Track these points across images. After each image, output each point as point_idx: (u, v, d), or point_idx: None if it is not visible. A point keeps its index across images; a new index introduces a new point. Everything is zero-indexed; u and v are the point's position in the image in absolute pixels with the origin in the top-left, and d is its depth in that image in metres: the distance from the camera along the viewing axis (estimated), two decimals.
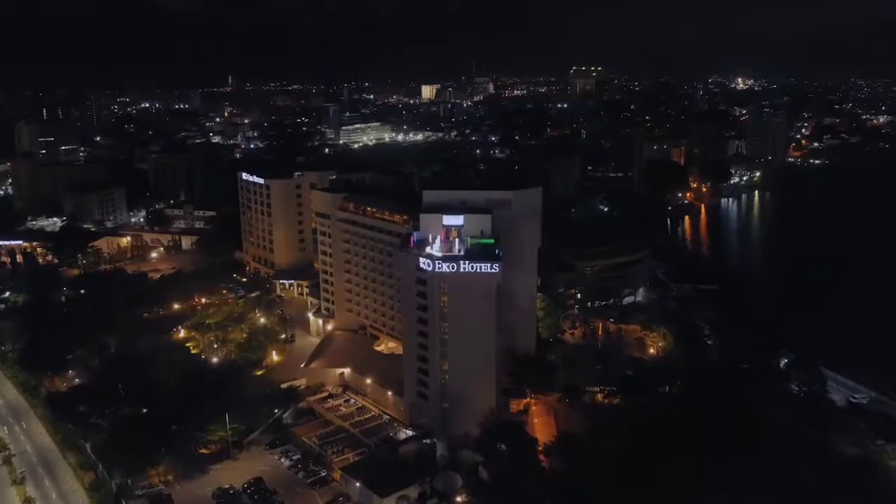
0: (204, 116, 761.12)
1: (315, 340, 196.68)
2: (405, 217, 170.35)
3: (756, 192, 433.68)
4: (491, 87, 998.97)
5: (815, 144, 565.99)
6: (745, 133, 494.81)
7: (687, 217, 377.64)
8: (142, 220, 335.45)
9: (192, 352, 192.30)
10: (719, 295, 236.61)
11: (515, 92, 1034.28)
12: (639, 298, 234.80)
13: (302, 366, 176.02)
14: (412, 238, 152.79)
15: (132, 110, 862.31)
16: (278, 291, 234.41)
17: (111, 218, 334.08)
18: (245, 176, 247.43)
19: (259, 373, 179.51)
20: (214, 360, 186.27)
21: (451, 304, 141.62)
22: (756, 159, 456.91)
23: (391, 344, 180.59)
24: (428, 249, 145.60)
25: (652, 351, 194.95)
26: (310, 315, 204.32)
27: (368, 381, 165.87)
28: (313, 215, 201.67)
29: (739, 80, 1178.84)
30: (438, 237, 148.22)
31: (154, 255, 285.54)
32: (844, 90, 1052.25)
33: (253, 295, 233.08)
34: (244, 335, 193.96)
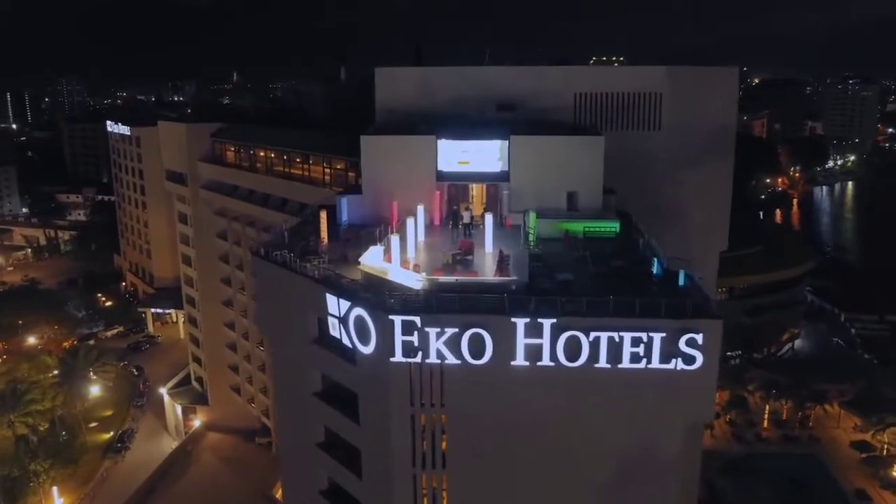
0: None
1: (171, 446, 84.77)
2: (344, 163, 57.25)
3: (850, 181, 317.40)
4: None
5: (890, 130, 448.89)
6: (821, 111, 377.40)
7: (778, 210, 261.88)
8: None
9: None
10: None
11: None
12: (797, 342, 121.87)
13: None
14: (339, 217, 40.19)
15: (119, 101, 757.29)
16: (150, 328, 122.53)
17: None
18: (110, 126, 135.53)
19: None
20: None
21: None
22: (843, 141, 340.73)
23: None
24: (368, 258, 31.96)
25: None
26: (164, 394, 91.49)
27: None
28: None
29: (757, 79, 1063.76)
30: (420, 212, 34.97)
31: None
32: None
33: (111, 332, 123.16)
34: (12, 435, 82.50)
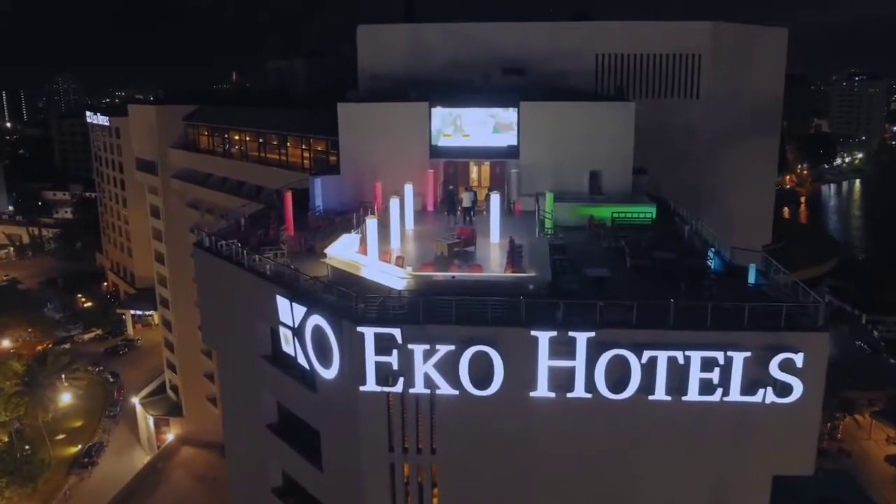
0: None
1: (144, 461, 77.03)
2: (325, 143, 49.31)
3: (858, 179, 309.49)
4: None
5: (895, 128, 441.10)
6: (827, 108, 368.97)
7: (786, 208, 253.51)
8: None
9: None
10: None
11: None
12: None
13: None
14: (312, 201, 32.47)
15: (118, 101, 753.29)
16: (130, 331, 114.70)
17: None
18: (90, 117, 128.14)
19: None
20: None
21: None
22: (850, 139, 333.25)
23: None
24: (337, 249, 24.03)
25: None
26: (136, 403, 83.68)
27: None
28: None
29: None
30: (408, 191, 27.04)
31: None
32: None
33: (88, 335, 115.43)
34: None
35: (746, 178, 42.15)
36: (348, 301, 19.79)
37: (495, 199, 28.28)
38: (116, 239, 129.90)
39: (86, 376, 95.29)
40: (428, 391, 19.16)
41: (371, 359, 18.92)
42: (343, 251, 23.97)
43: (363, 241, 24.96)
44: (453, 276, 21.63)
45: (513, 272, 21.85)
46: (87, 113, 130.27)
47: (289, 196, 30.96)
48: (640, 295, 19.84)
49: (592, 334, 18.28)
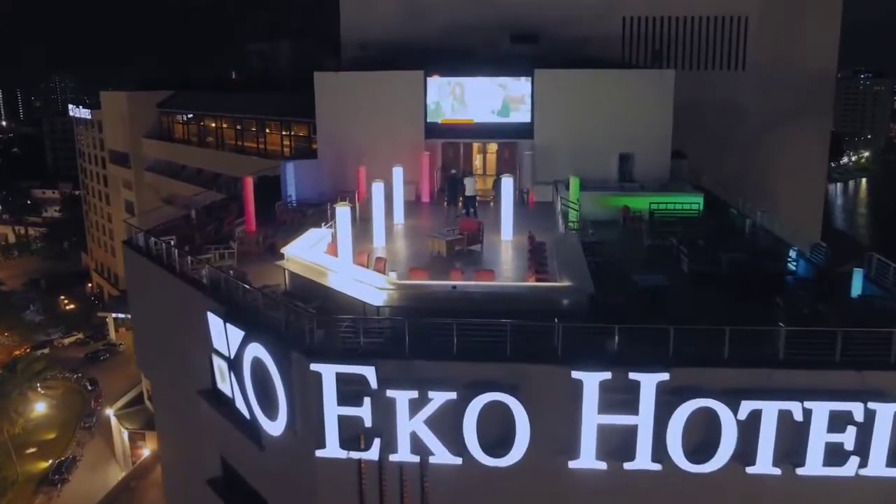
0: None
1: (118, 476, 70.76)
2: (307, 127, 43.13)
3: (864, 178, 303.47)
4: None
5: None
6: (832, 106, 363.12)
7: None
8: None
9: None
10: None
11: None
12: None
13: None
14: (284, 191, 26.27)
15: None
16: (112, 335, 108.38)
17: None
18: (72, 111, 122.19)
19: None
20: None
21: None
22: (855, 137, 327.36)
23: None
24: (298, 248, 17.69)
25: None
26: (111, 414, 77.37)
27: None
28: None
29: None
30: (397, 175, 20.84)
31: None
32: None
33: (69, 340, 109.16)
34: None
35: (797, 165, 35.97)
36: (302, 323, 13.56)
37: (507, 183, 22.07)
38: (100, 238, 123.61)
39: (62, 384, 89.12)
40: (417, 458, 12.94)
41: (332, 410, 12.68)
42: (306, 251, 17.77)
43: (335, 237, 18.83)
44: (454, 286, 15.43)
45: (537, 280, 15.63)
46: (70, 106, 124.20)
47: (249, 182, 24.83)
48: (716, 313, 13.72)
49: (665, 376, 12.06)
